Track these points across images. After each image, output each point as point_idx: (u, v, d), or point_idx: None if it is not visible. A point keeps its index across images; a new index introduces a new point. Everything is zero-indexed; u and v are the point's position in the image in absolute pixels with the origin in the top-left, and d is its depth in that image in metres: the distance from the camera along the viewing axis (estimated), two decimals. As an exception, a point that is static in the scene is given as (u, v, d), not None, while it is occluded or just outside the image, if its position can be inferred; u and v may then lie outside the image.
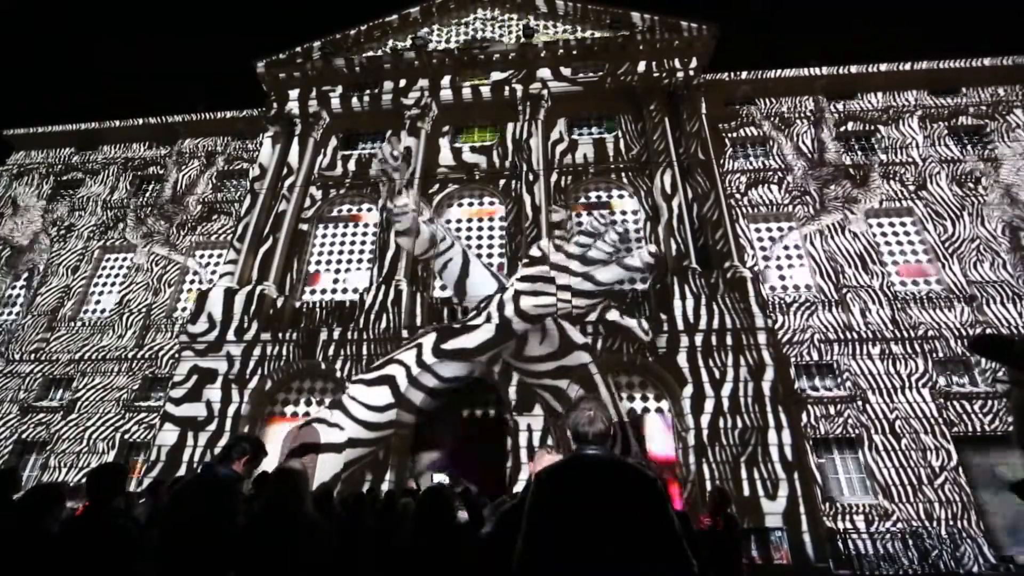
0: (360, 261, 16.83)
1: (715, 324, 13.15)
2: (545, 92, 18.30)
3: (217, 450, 12.30)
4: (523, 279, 14.37)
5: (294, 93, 19.62)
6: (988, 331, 13.89)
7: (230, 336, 14.48)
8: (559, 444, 11.33)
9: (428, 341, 13.69)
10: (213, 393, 13.77)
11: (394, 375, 13.32)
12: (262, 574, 2.98)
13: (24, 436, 15.80)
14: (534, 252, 14.89)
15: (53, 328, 17.80)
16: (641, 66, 18.42)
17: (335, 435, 12.68)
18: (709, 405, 12.22)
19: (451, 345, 13.57)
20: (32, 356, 17.21)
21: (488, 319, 13.82)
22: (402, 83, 19.35)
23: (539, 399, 12.82)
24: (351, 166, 18.41)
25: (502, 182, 17.21)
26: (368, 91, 19.44)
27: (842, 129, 18.56)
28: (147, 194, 21.02)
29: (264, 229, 16.64)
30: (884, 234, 16.54)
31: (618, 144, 17.56)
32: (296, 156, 18.25)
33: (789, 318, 14.81)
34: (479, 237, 16.78)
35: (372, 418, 12.86)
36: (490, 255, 16.32)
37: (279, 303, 15.36)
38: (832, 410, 13.39)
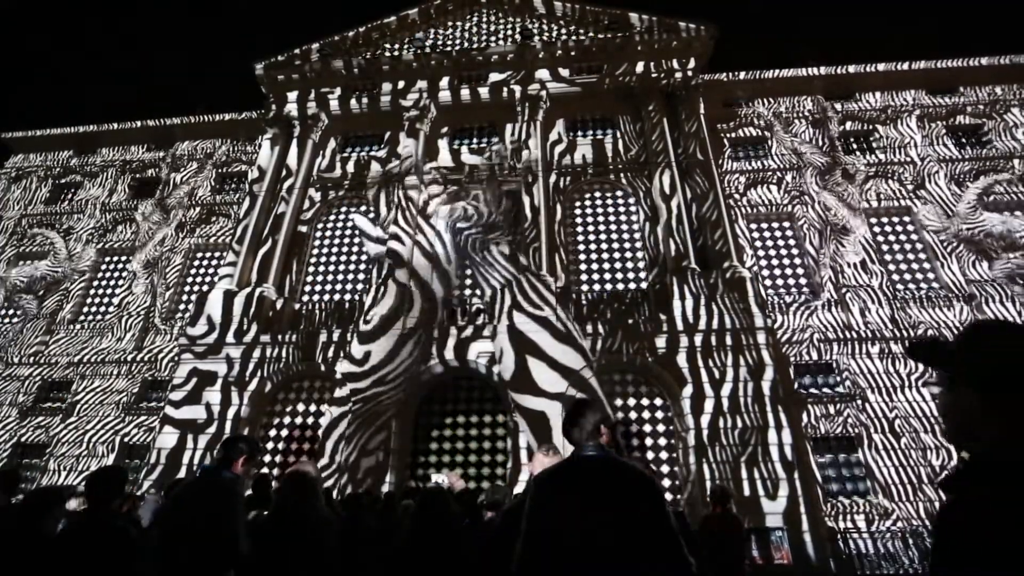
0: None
1: (714, 324, 13.15)
2: (543, 93, 18.31)
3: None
4: None
5: (293, 95, 19.64)
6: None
7: (229, 338, 14.48)
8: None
9: None
10: (213, 395, 13.77)
11: None
12: (281, 569, 3.00)
13: (23, 439, 15.79)
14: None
15: (52, 331, 17.80)
16: (639, 67, 18.44)
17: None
18: (709, 405, 12.21)
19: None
20: (31, 359, 17.20)
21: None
22: (400, 85, 19.37)
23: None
24: (350, 168, 18.42)
25: (501, 183, 17.19)
26: (367, 93, 19.47)
27: (841, 129, 18.60)
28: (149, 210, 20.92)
29: (263, 231, 16.64)
30: (885, 233, 16.57)
31: (617, 145, 17.58)
32: (295, 158, 18.26)
33: (788, 318, 14.83)
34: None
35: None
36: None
37: (278, 305, 15.37)
38: (832, 409, 13.40)
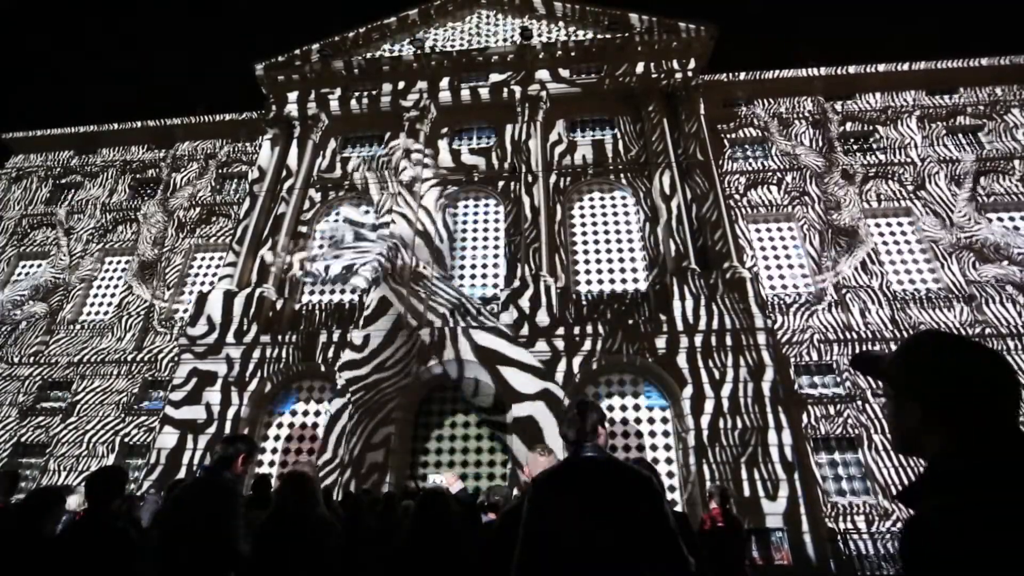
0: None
1: (715, 325, 13.15)
2: (543, 94, 18.31)
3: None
4: None
5: (293, 95, 19.65)
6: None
7: (229, 339, 14.48)
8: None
9: None
10: (213, 396, 13.77)
11: None
12: (282, 571, 3.00)
13: (23, 439, 15.77)
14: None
15: (52, 331, 17.79)
16: (639, 67, 18.44)
17: None
18: (709, 406, 12.21)
19: None
20: (31, 359, 17.19)
21: None
22: (401, 85, 19.38)
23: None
24: (350, 168, 18.43)
25: (501, 183, 17.22)
26: (367, 93, 19.47)
27: (841, 129, 18.59)
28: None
29: (263, 231, 16.64)
30: (882, 234, 16.57)
31: (617, 145, 17.58)
32: (295, 158, 18.27)
33: (788, 318, 14.82)
34: (475, 238, 16.77)
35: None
36: (485, 255, 16.35)
37: (278, 305, 15.37)
38: (832, 410, 13.39)
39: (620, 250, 15.97)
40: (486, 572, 2.84)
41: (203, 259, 19.03)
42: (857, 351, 13.52)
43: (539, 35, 20.08)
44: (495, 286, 15.51)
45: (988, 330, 14.08)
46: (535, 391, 12.81)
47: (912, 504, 1.07)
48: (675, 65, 18.27)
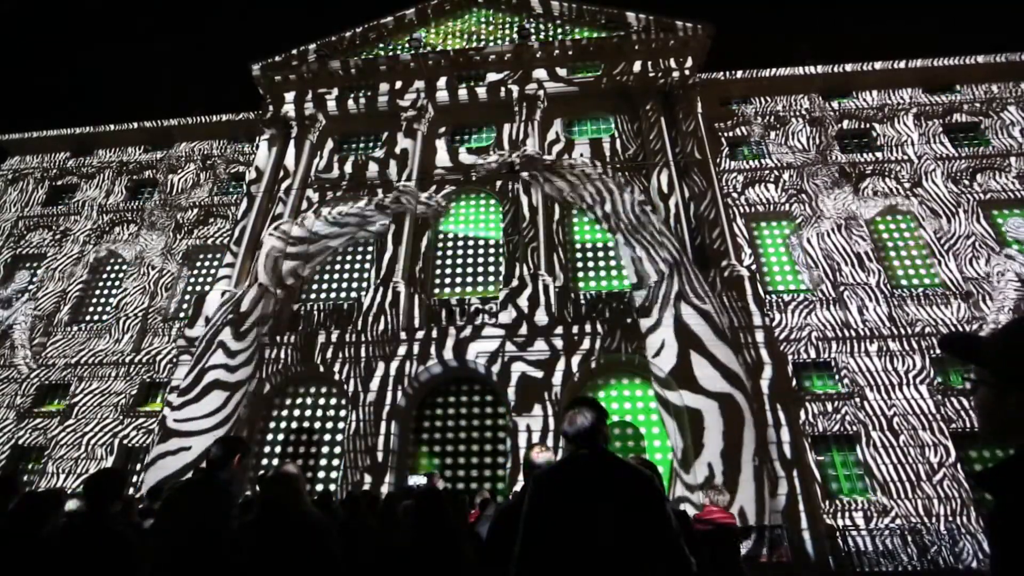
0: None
1: (713, 323, 13.14)
2: (541, 93, 18.30)
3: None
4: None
5: (290, 96, 19.60)
6: (981, 329, 13.94)
7: (228, 339, 14.41)
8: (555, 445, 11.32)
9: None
10: (211, 397, 13.71)
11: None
12: (279, 571, 2.98)
13: (21, 442, 15.70)
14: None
15: (49, 333, 17.70)
16: (637, 66, 18.44)
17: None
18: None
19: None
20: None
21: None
22: (398, 85, 19.35)
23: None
24: (348, 168, 18.38)
25: (499, 183, 17.18)
26: (364, 93, 19.43)
27: (838, 127, 18.60)
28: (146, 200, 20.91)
29: (261, 232, 16.59)
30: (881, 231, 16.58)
31: (614, 144, 17.57)
32: (292, 159, 18.22)
33: (787, 316, 14.83)
34: (474, 237, 16.74)
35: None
36: (485, 254, 16.33)
37: (277, 306, 15.31)
38: (830, 407, 13.41)
39: (619, 248, 15.94)
40: (485, 570, 2.84)
41: (202, 260, 18.95)
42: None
43: (536, 34, 20.04)
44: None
45: (985, 327, 14.11)
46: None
47: (996, 490, 1.03)
48: (672, 64, 18.27)
